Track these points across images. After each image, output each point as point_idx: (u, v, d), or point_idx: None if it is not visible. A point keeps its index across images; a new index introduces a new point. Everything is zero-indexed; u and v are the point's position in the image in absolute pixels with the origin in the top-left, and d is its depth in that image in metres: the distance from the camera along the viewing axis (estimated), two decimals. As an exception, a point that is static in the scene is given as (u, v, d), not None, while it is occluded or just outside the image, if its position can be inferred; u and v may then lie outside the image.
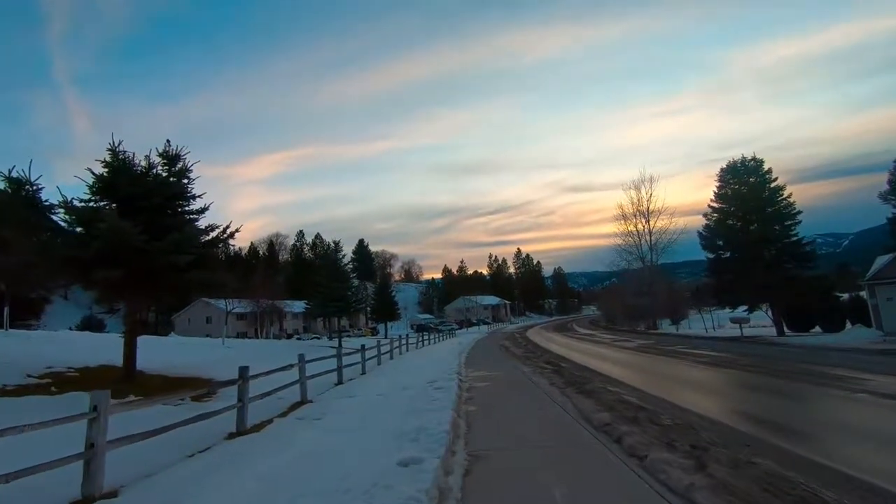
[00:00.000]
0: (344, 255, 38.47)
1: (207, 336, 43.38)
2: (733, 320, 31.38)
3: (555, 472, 4.67)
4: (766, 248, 28.88)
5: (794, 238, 28.74)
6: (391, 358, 21.44)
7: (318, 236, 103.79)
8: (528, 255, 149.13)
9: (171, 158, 10.95)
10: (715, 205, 31.66)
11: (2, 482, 3.75)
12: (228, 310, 42.15)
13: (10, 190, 9.47)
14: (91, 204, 9.91)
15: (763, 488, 4.00)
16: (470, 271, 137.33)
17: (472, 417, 7.51)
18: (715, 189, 31.81)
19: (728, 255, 31.21)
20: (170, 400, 9.03)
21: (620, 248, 50.77)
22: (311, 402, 10.33)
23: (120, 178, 10.06)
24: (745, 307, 31.33)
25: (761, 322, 33.25)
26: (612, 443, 5.68)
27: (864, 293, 30.53)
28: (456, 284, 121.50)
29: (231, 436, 7.26)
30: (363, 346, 17.08)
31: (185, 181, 11.24)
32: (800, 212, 28.74)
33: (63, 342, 16.16)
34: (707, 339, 27.37)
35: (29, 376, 9.84)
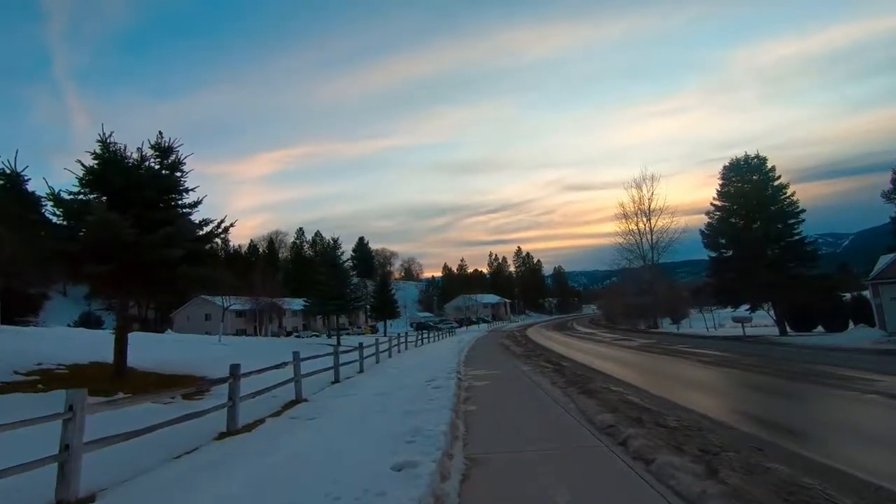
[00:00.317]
0: (343, 253, 38.20)
1: (206, 333, 43.14)
2: (735, 319, 31.16)
3: (558, 478, 4.42)
4: (769, 247, 28.61)
5: (797, 237, 28.46)
6: (390, 356, 21.20)
7: (318, 234, 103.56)
8: (528, 254, 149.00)
9: (163, 151, 10.68)
10: (717, 203, 31.40)
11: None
12: (226, 307, 41.87)
13: None
14: (80, 197, 9.66)
15: (781, 497, 3.75)
16: (470, 270, 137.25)
17: (471, 418, 7.25)
18: (717, 187, 31.58)
19: (730, 253, 30.96)
20: (160, 398, 8.82)
21: (622, 246, 50.56)
22: (306, 400, 10.08)
23: (110, 170, 9.79)
24: (747, 306, 31.07)
25: (762, 321, 33.01)
26: (616, 445, 5.43)
27: (867, 293, 30.34)
28: (456, 283, 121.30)
29: (221, 436, 7.01)
30: (361, 343, 16.83)
31: (179, 174, 10.97)
32: (803, 210, 28.50)
33: (57, 339, 15.90)
34: (709, 339, 27.12)
35: (16, 373, 9.59)
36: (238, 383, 7.41)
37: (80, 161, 9.64)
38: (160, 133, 10.73)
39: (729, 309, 34.77)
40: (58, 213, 9.36)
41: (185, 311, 67.33)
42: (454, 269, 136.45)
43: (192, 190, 10.99)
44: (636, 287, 50.73)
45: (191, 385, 9.63)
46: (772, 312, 29.99)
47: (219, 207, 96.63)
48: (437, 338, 39.79)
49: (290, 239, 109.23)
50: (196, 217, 11.44)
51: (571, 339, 31.25)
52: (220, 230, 11.46)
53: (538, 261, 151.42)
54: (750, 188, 29.68)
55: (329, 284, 33.06)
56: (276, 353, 16.06)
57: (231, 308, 61.18)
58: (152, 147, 10.62)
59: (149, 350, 15.81)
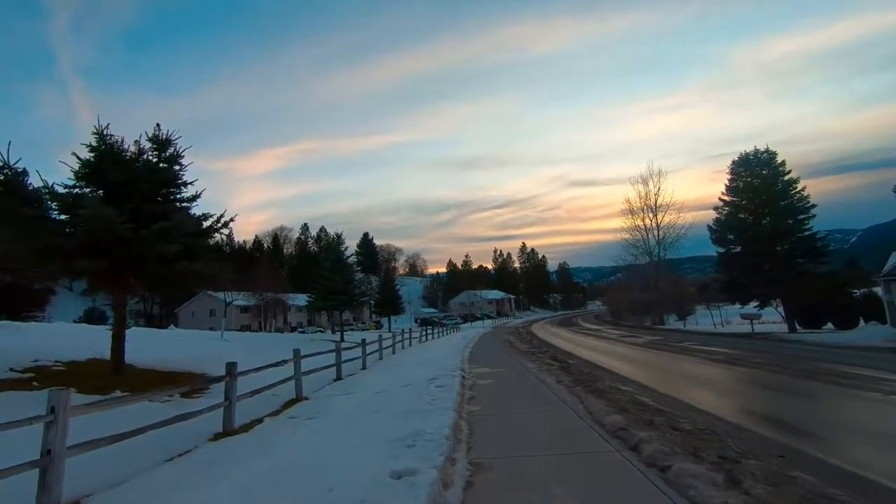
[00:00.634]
0: (347, 248, 37.91)
1: (211, 329, 43.15)
2: (744, 316, 30.71)
3: (567, 486, 4.14)
4: (778, 243, 28.13)
5: (808, 232, 27.95)
6: (393, 353, 20.99)
7: (322, 229, 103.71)
8: (532, 250, 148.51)
9: (161, 143, 10.42)
10: (726, 198, 30.91)
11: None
12: (228, 302, 41.78)
13: None
14: (76, 190, 9.43)
15: (811, 511, 3.46)
16: (474, 266, 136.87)
17: (475, 419, 6.98)
18: (726, 182, 31.09)
19: (738, 249, 30.48)
20: (157, 396, 8.61)
21: (628, 242, 50.11)
22: (306, 399, 9.87)
23: (107, 163, 9.55)
24: (755, 303, 30.62)
25: (770, 318, 32.56)
26: (628, 450, 5.14)
27: (878, 289, 29.81)
28: (460, 279, 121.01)
29: (217, 436, 6.80)
30: (363, 340, 16.60)
31: (177, 167, 10.73)
32: (814, 205, 27.94)
33: (56, 335, 15.76)
34: (717, 336, 26.75)
35: (11, 370, 9.41)
36: (234, 382, 7.18)
37: (75, 154, 9.43)
38: (157, 125, 10.49)
39: (737, 305, 34.32)
40: (51, 206, 9.13)
41: (190, 306, 67.47)
42: (458, 265, 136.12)
43: (190, 183, 10.75)
44: (642, 283, 50.34)
45: (189, 383, 9.44)
46: (780, 309, 29.54)
47: (223, 204, 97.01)
48: (441, 334, 39.58)
49: (295, 235, 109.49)
50: (195, 211, 11.24)
51: (577, 336, 30.95)
52: (219, 224, 11.23)
53: (543, 257, 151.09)
54: (759, 183, 29.17)
55: (332, 280, 32.82)
56: (278, 350, 15.86)
57: (235, 304, 61.23)
58: (150, 139, 10.37)
59: (149, 346, 15.64)
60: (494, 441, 5.77)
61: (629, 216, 49.74)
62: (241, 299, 55.74)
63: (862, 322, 25.73)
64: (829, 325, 27.11)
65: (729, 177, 30.97)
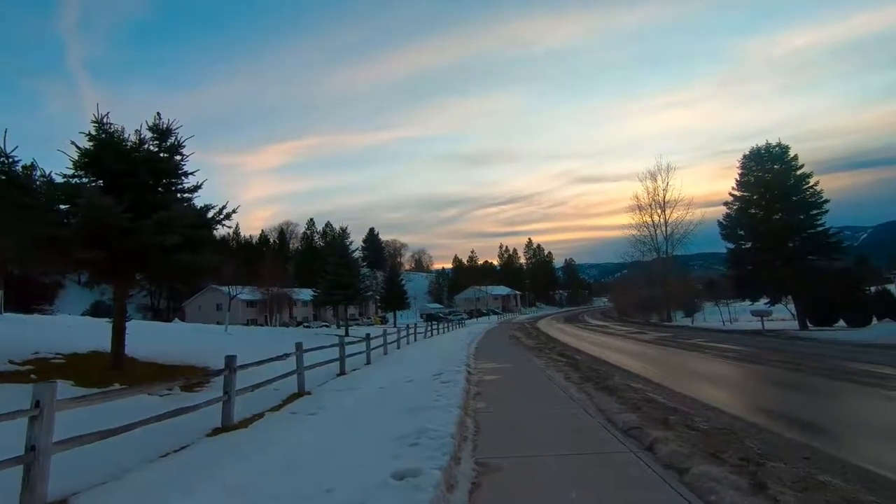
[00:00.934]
0: (352, 242, 37.76)
1: (217, 323, 43.20)
2: (754, 313, 30.22)
3: (581, 489, 3.88)
4: (791, 239, 27.59)
5: (820, 228, 27.38)
6: (398, 347, 20.80)
7: (328, 225, 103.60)
8: (538, 246, 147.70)
9: (161, 133, 10.20)
10: (736, 193, 30.36)
11: None
12: (233, 295, 41.77)
13: None
14: (74, 180, 9.25)
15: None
16: (480, 261, 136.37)
17: (482, 416, 6.74)
18: (737, 177, 30.51)
19: (749, 245, 29.96)
20: (156, 389, 8.45)
21: (635, 238, 49.60)
22: (308, 393, 9.67)
23: (106, 152, 9.36)
24: (766, 300, 30.11)
25: (779, 316, 32.07)
26: (643, 451, 4.88)
27: (891, 286, 29.24)
28: (466, 274, 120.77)
29: (215, 431, 6.59)
30: (368, 335, 16.41)
31: (178, 157, 10.52)
32: (827, 200, 27.30)
33: (59, 327, 15.70)
34: (726, 333, 26.33)
35: (11, 362, 9.27)
36: (234, 376, 6.97)
37: (73, 142, 9.24)
38: (158, 114, 10.28)
39: (747, 302, 33.81)
40: (49, 196, 8.93)
41: (197, 300, 67.74)
42: (464, 260, 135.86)
43: (191, 174, 10.53)
44: (648, 280, 49.86)
45: (190, 376, 9.24)
46: (790, 306, 29.02)
47: (230, 199, 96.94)
48: (446, 329, 39.39)
49: (301, 230, 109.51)
50: (197, 202, 11.04)
51: (584, 332, 30.65)
52: (221, 216, 11.02)
53: (549, 252, 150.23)
54: (771, 178, 28.59)
55: (337, 274, 32.66)
56: (281, 344, 15.68)
57: (242, 298, 61.36)
58: (150, 129, 10.16)
59: (153, 339, 15.52)
60: (501, 440, 5.53)
61: (637, 212, 49.26)
62: (245, 294, 55.86)
63: (875, 320, 25.21)
64: (841, 323, 26.61)
65: (740, 171, 30.41)
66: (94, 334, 13.45)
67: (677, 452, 4.64)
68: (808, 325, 26.56)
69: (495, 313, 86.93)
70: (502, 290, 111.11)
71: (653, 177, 48.00)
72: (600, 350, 17.44)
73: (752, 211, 29.57)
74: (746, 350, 15.43)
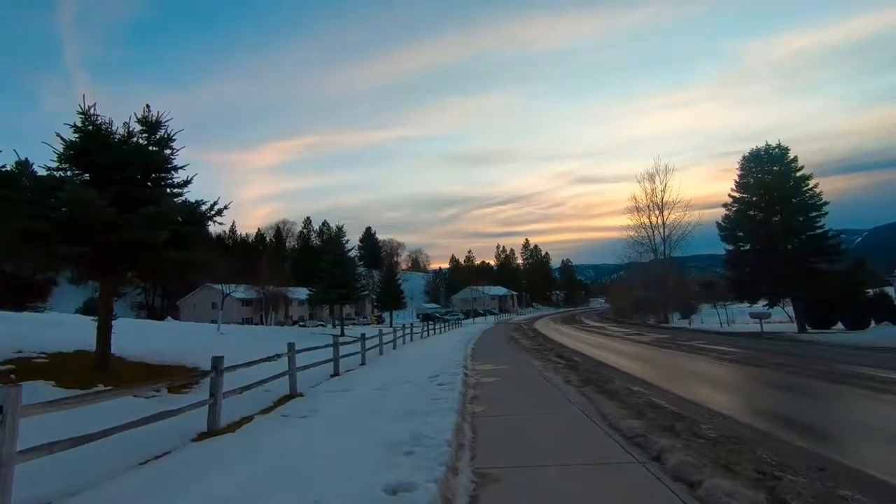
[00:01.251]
0: (348, 241, 37.34)
1: (213, 321, 42.79)
2: (753, 315, 30.07)
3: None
4: (790, 241, 27.43)
5: (820, 230, 27.22)
6: (394, 348, 20.52)
7: (325, 223, 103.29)
8: (536, 246, 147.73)
9: (151, 125, 9.88)
10: (735, 194, 30.17)
11: None
12: (227, 293, 41.35)
13: None
14: (59, 173, 8.93)
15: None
16: (477, 261, 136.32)
17: (480, 422, 6.47)
18: (736, 178, 30.31)
19: (748, 247, 29.79)
20: (141, 391, 8.15)
21: (633, 239, 49.40)
22: (301, 395, 9.39)
23: (92, 144, 9.04)
24: (764, 302, 29.95)
25: (777, 318, 31.92)
26: (650, 461, 4.62)
27: (889, 289, 29.09)
28: (463, 274, 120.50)
29: (201, 436, 6.31)
30: (363, 334, 16.13)
31: (168, 151, 10.20)
32: (826, 203, 27.13)
33: (48, 325, 15.35)
34: (725, 335, 26.15)
35: (-9, 362, 8.95)
36: (220, 378, 6.68)
37: (58, 134, 8.90)
38: (147, 106, 9.96)
39: (745, 304, 33.66)
40: (34, 189, 8.62)
41: (192, 299, 67.25)
42: (461, 260, 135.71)
43: (181, 168, 10.21)
44: (646, 281, 49.67)
45: (180, 376, 8.95)
46: (788, 308, 28.82)
47: (227, 197, 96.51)
48: (443, 329, 39.11)
49: (298, 228, 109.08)
50: (188, 198, 10.73)
51: (581, 333, 30.43)
52: (213, 212, 10.71)
53: (546, 253, 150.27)
54: (770, 179, 28.41)
55: (333, 273, 32.32)
56: (275, 344, 15.40)
57: (237, 297, 60.89)
58: (139, 121, 9.84)
59: (143, 338, 15.20)
60: (501, 447, 5.26)
61: (635, 213, 49.00)
62: (239, 292, 55.40)
63: (873, 323, 25.08)
64: (839, 326, 26.47)
65: (739, 173, 30.22)
66: (82, 333, 13.11)
67: (687, 463, 4.39)
68: (807, 327, 26.42)
69: (492, 314, 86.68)
70: (499, 290, 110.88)
71: (651, 178, 47.76)
72: (599, 352, 17.21)
73: (752, 212, 29.40)
74: (747, 352, 15.21)
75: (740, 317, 38.26)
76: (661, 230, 47.35)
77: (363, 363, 14.69)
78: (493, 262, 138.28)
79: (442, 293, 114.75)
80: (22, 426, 3.66)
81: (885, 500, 3.76)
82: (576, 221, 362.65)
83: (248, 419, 7.32)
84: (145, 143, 9.86)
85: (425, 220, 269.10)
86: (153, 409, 6.43)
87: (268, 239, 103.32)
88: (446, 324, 44.77)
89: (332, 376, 12.09)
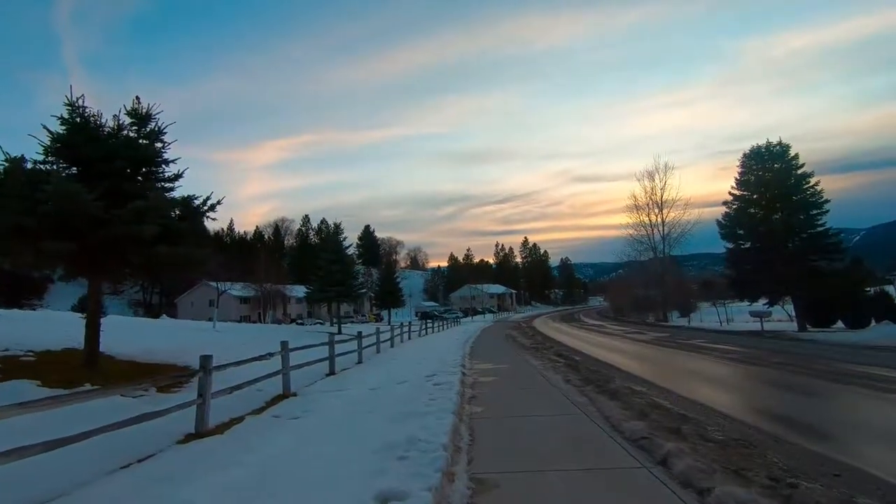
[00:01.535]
0: (346, 238, 37.04)
1: (209, 319, 42.52)
2: (753, 314, 29.88)
3: (590, 514, 3.40)
4: (790, 239, 27.23)
5: (821, 228, 27.02)
6: (392, 346, 20.29)
7: (323, 221, 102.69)
8: (534, 245, 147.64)
9: (141, 118, 9.61)
10: (736, 192, 29.95)
11: None
12: (222, 290, 41.06)
13: None
14: (45, 166, 8.67)
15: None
16: (476, 260, 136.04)
17: (477, 423, 6.24)
18: (736, 176, 30.08)
19: (748, 245, 29.59)
20: (127, 391, 7.90)
21: (632, 238, 49.21)
22: (294, 395, 9.17)
23: (79, 137, 8.78)
24: (764, 300, 29.76)
25: (777, 316, 31.73)
26: (656, 466, 4.40)
27: (889, 288, 28.92)
28: (462, 273, 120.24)
29: (188, 437, 6.08)
30: (360, 332, 15.90)
31: (159, 145, 9.95)
32: (827, 201, 26.92)
33: (38, 322, 15.10)
34: (725, 334, 25.97)
35: (-25, 360, 8.71)
36: (209, 377, 6.44)
37: (45, 126, 8.65)
38: (137, 98, 9.69)
39: (745, 303, 33.48)
40: (20, 182, 8.34)
41: (190, 296, 66.92)
42: (460, 258, 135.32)
43: (172, 161, 9.95)
44: (645, 279, 49.50)
45: (168, 376, 8.72)
46: (788, 307, 28.61)
47: (227, 195, 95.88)
48: (441, 327, 38.89)
49: (296, 226, 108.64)
50: (179, 193, 10.47)
51: (581, 332, 30.24)
52: (205, 207, 10.46)
53: (545, 252, 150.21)
54: (771, 177, 28.19)
55: (331, 270, 32.06)
56: (271, 342, 15.17)
57: (235, 295, 60.62)
58: (128, 114, 9.58)
59: (137, 336, 14.97)
60: (499, 451, 5.03)
61: (634, 211, 48.79)
62: (236, 290, 55.10)
63: (873, 321, 24.91)
64: (839, 324, 26.30)
65: (739, 170, 29.99)
66: (72, 331, 12.87)
67: (695, 468, 4.17)
68: (807, 326, 26.25)
69: (491, 312, 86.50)
70: (498, 288, 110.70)
71: (650, 176, 47.55)
72: (598, 350, 17.00)
73: (752, 210, 29.19)
74: (748, 351, 15.02)
75: (739, 315, 38.08)
76: (661, 228, 47.20)
77: (360, 362, 14.48)
78: (491, 261, 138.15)
79: (441, 291, 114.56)
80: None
81: (907, 508, 3.55)
82: (574, 220, 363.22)
83: (239, 420, 7.10)
84: (135, 135, 9.60)
85: (424, 219, 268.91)
86: (140, 410, 6.20)
87: (266, 237, 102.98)
88: (445, 322, 44.55)
89: (327, 375, 11.87)
